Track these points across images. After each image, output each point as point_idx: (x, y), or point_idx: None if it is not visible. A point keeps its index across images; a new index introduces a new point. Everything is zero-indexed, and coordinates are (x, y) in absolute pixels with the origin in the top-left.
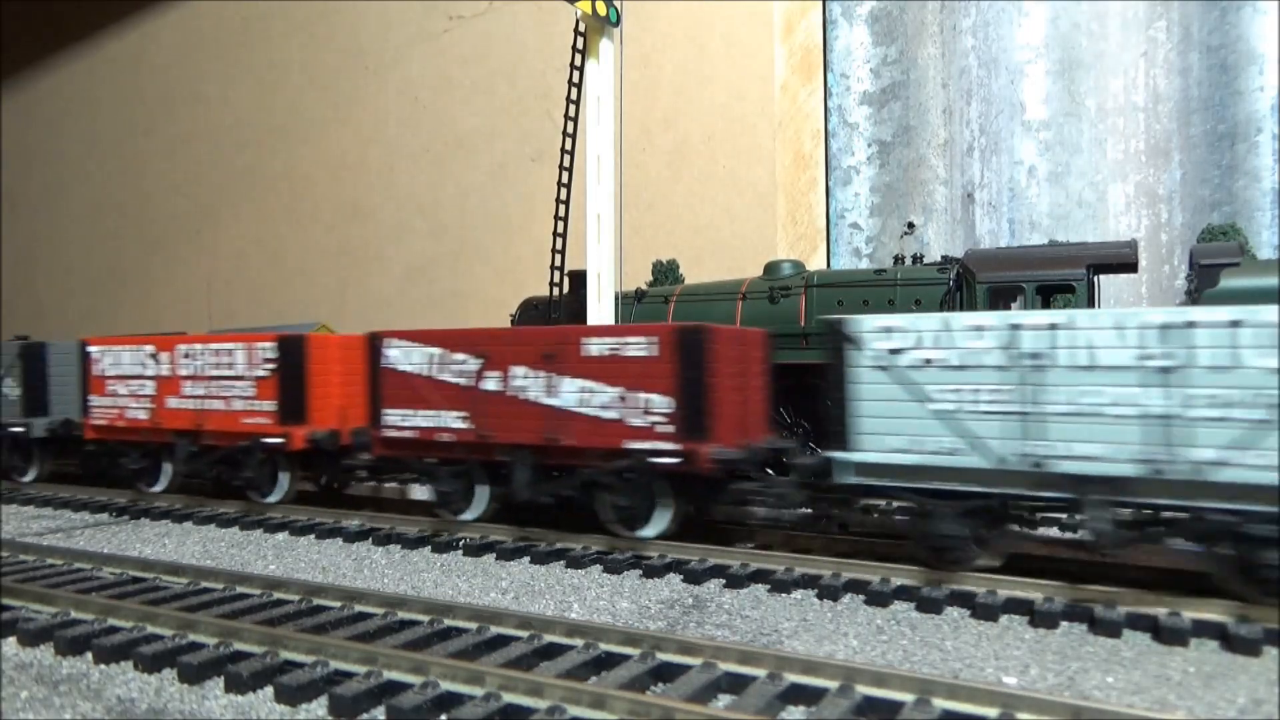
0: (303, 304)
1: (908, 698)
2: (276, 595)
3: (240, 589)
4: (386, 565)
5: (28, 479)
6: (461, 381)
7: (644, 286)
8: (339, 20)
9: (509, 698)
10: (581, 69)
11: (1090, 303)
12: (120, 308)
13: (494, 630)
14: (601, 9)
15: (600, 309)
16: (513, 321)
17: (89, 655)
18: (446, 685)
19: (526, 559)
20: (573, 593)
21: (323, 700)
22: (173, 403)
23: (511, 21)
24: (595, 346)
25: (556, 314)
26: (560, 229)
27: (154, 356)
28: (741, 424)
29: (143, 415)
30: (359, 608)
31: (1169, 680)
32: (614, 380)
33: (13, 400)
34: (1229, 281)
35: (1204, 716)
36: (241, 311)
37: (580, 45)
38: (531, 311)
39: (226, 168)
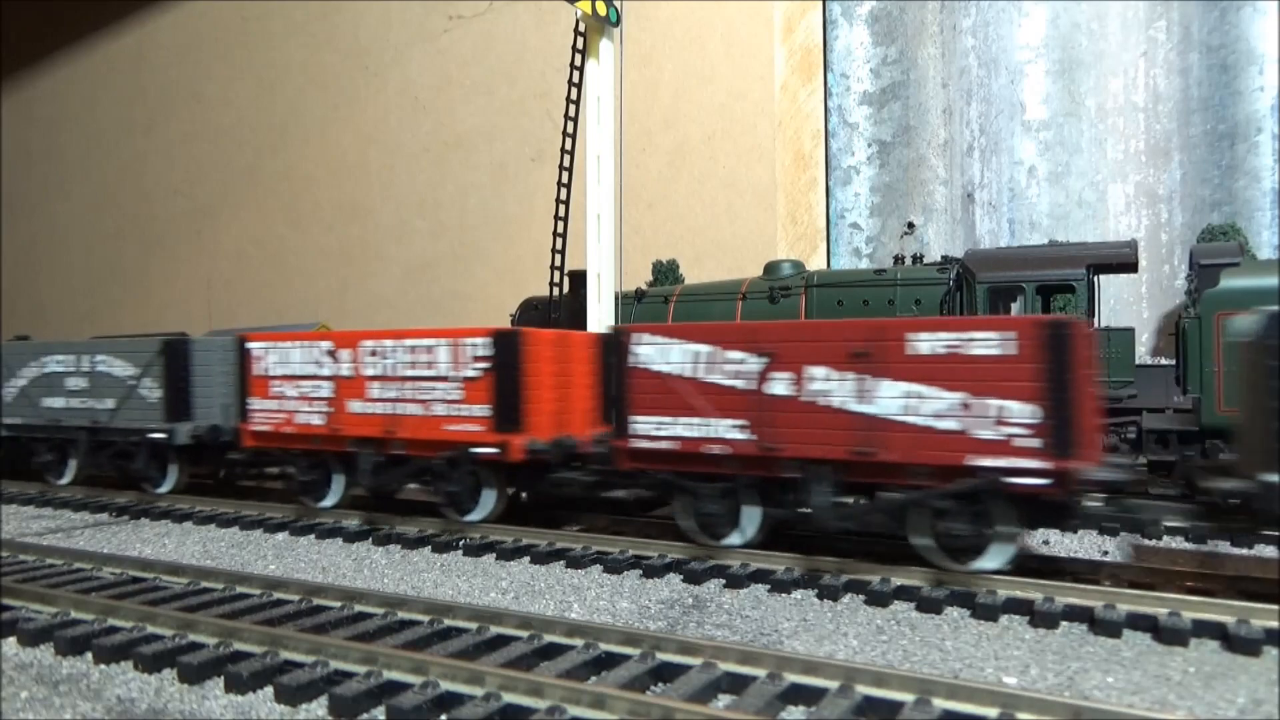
0: (303, 304)
1: (908, 698)
2: (276, 595)
3: (240, 589)
4: (386, 565)
5: (164, 489)
6: (739, 384)
7: (644, 286)
8: (339, 20)
9: (509, 698)
10: (581, 69)
11: (1090, 303)
12: (120, 308)
13: (494, 630)
14: (601, 9)
15: (600, 309)
16: (512, 321)
17: (89, 655)
18: (446, 685)
19: (526, 559)
20: (573, 593)
21: (323, 700)
22: (355, 407)
23: (511, 21)
24: (927, 342)
25: (556, 314)
26: (560, 229)
27: (332, 354)
28: (1096, 436)
29: (316, 420)
30: (359, 608)
31: (1169, 680)
32: (953, 383)
33: (152, 403)
34: (1229, 281)
35: (1204, 716)
36: (241, 311)
37: (580, 45)
38: (531, 311)
39: (226, 168)
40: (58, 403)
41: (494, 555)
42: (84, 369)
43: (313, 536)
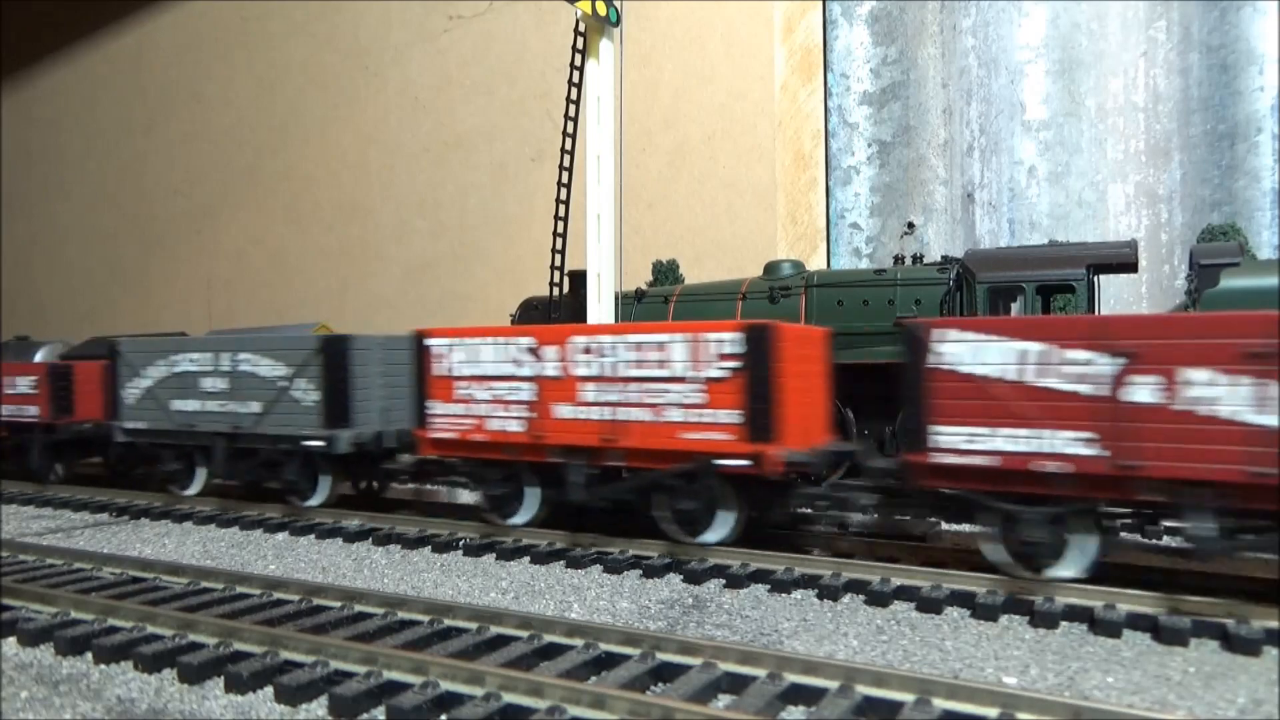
0: (303, 304)
1: (908, 698)
2: (276, 595)
3: (240, 589)
4: (386, 565)
5: (314, 503)
6: (1083, 389)
7: (644, 286)
8: (339, 20)
9: (509, 698)
10: (581, 69)
11: (1090, 303)
12: (120, 308)
13: (494, 630)
14: (601, 9)
15: (600, 309)
16: (512, 321)
17: (89, 655)
18: (446, 685)
19: (526, 559)
20: (573, 593)
21: (323, 700)
22: (564, 411)
23: (511, 21)
24: None
25: (556, 314)
26: (560, 229)
27: (534, 351)
28: None
29: (513, 427)
30: (359, 608)
31: (1169, 680)
32: None
33: (307, 406)
34: (1229, 281)
35: (1204, 716)
36: (241, 311)
37: (580, 45)
38: (532, 311)
39: (226, 168)
40: (191, 405)
41: (494, 555)
42: (224, 368)
43: (313, 536)
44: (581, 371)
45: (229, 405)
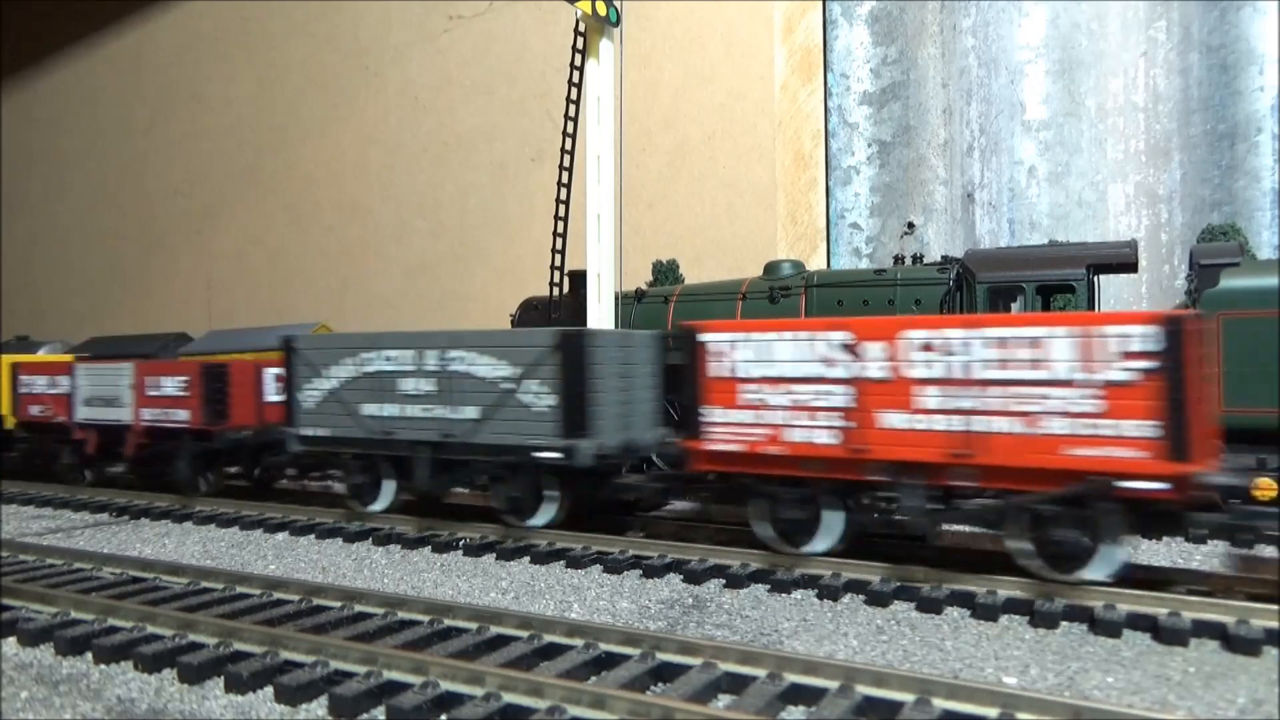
0: (303, 304)
1: (908, 698)
2: (276, 595)
3: (240, 589)
4: (386, 565)
5: (537, 522)
6: None
7: (644, 286)
8: (339, 20)
9: (509, 698)
10: (581, 69)
11: (1090, 303)
12: (120, 308)
13: (494, 630)
14: (601, 9)
15: (600, 309)
16: (512, 321)
17: (89, 655)
18: (446, 685)
19: (526, 559)
20: (573, 593)
21: (323, 700)
22: (895, 420)
23: (511, 21)
24: None
25: (556, 314)
26: (560, 229)
27: (850, 348)
28: None
29: (825, 439)
30: (359, 608)
31: (1169, 680)
32: None
33: (539, 412)
34: (1229, 281)
35: (1204, 716)
36: (242, 311)
37: (580, 45)
38: (531, 311)
39: (226, 168)
40: (387, 410)
41: (494, 555)
42: (430, 368)
43: (313, 536)
44: (919, 373)
45: (436, 410)
